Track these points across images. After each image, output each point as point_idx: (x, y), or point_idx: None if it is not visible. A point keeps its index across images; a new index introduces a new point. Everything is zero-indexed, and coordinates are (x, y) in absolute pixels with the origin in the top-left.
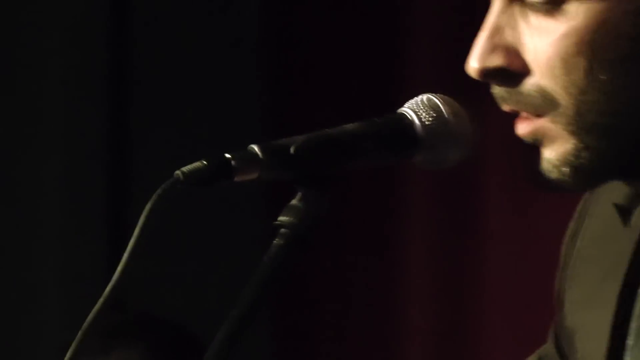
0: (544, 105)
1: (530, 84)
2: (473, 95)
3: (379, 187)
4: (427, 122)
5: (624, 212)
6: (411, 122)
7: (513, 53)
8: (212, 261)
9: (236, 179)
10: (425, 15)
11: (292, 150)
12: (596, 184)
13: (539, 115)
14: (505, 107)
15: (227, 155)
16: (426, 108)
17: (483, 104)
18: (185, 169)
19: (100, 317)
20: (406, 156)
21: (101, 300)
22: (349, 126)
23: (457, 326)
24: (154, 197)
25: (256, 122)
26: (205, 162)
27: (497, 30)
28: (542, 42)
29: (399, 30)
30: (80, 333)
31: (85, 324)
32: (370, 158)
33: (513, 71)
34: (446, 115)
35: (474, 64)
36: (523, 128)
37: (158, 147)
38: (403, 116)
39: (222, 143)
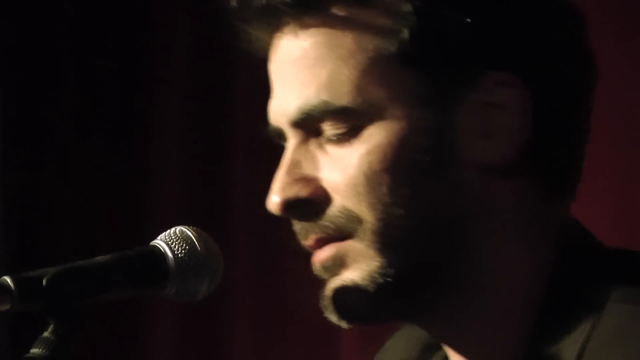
0: (349, 226)
1: (333, 209)
2: (220, 228)
3: (127, 318)
4: (179, 255)
5: None
6: (164, 254)
7: (313, 184)
8: None
9: None
10: (175, 152)
11: (44, 282)
12: (393, 309)
13: (343, 238)
14: (309, 241)
15: None
16: (179, 240)
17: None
18: None
19: None
20: (158, 288)
21: None
22: (101, 258)
23: None
24: None
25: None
26: None
27: (295, 165)
28: (343, 166)
29: (148, 168)
30: None
31: None
32: (122, 290)
33: (314, 200)
34: (199, 248)
35: (275, 199)
36: (325, 252)
37: None
38: (155, 248)
39: None
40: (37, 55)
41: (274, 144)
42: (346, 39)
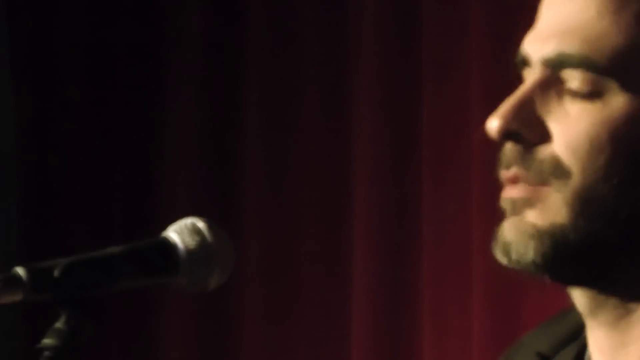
0: (554, 175)
1: (547, 152)
2: (232, 220)
3: (138, 311)
4: (190, 246)
5: None
6: (174, 245)
7: (536, 125)
8: None
9: None
10: (184, 146)
11: (56, 273)
12: (556, 267)
13: (541, 184)
14: (509, 172)
15: None
16: (190, 232)
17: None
18: None
19: None
20: (168, 279)
21: None
22: (112, 249)
23: None
24: None
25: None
26: None
27: (528, 101)
28: (573, 123)
29: (160, 159)
30: None
31: None
32: (133, 281)
33: (531, 141)
34: (209, 240)
35: (495, 123)
36: (518, 190)
37: None
38: (166, 240)
39: None
40: (48, 45)
41: (288, 136)
42: (630, 9)
